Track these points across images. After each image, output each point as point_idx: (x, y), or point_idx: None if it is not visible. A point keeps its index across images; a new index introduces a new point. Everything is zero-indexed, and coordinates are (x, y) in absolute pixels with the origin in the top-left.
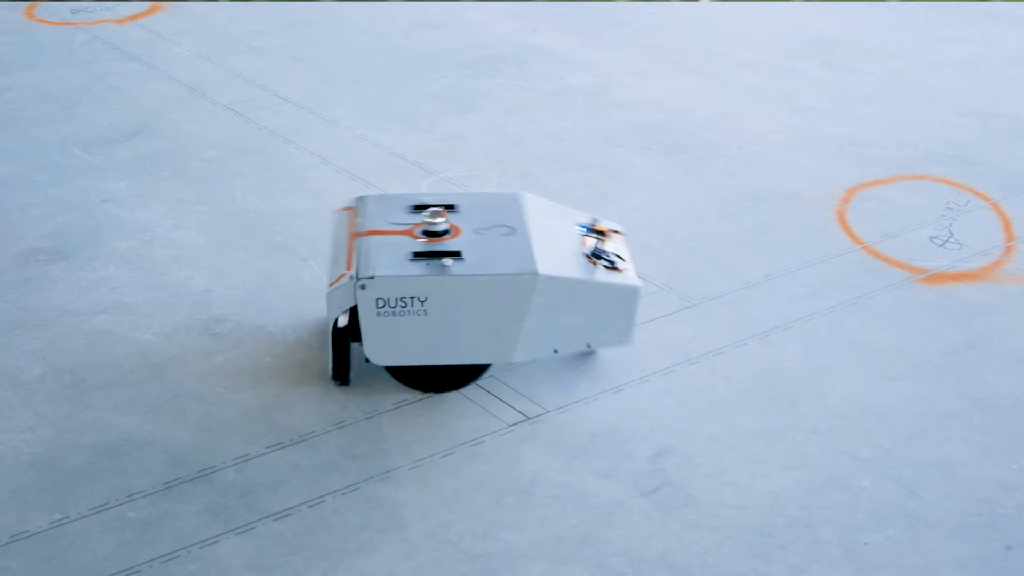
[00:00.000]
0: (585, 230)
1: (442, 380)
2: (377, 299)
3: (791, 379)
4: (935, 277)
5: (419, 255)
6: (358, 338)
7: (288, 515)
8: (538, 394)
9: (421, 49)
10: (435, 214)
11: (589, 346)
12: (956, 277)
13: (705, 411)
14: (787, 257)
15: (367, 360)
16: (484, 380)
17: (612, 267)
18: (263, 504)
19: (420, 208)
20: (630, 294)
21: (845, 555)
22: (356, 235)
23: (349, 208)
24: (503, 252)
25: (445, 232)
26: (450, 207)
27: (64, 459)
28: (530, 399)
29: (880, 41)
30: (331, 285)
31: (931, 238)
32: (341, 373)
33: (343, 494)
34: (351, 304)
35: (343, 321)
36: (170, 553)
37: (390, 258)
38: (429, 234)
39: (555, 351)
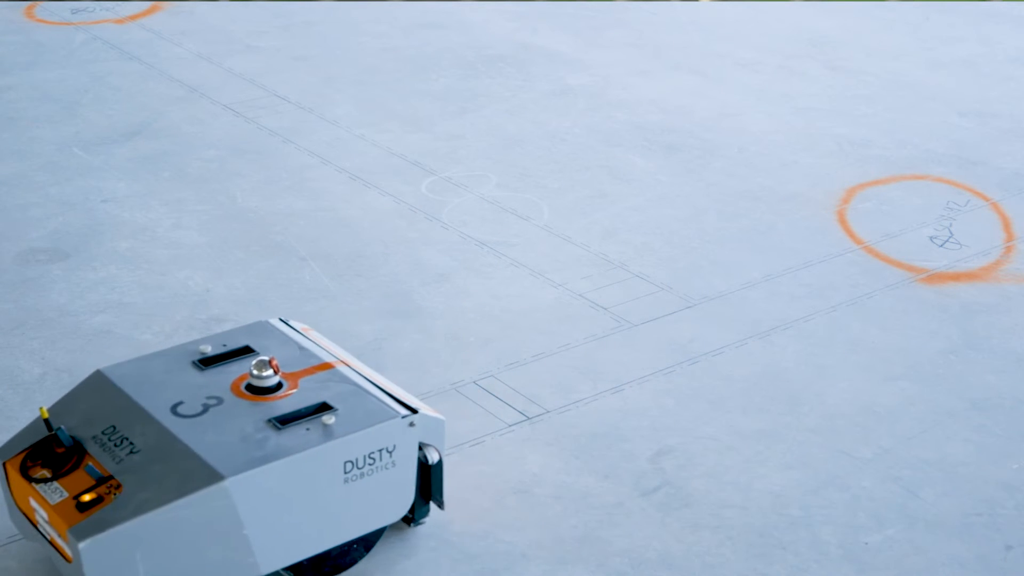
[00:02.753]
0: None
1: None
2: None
3: (791, 379)
4: (935, 277)
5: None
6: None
7: None
8: (538, 394)
9: (421, 49)
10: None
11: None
12: (956, 277)
13: (705, 411)
14: (787, 257)
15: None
16: (484, 380)
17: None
18: None
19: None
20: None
21: (845, 555)
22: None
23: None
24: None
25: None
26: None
27: None
28: (530, 399)
29: (880, 41)
30: None
31: (931, 238)
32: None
33: None
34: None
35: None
36: None
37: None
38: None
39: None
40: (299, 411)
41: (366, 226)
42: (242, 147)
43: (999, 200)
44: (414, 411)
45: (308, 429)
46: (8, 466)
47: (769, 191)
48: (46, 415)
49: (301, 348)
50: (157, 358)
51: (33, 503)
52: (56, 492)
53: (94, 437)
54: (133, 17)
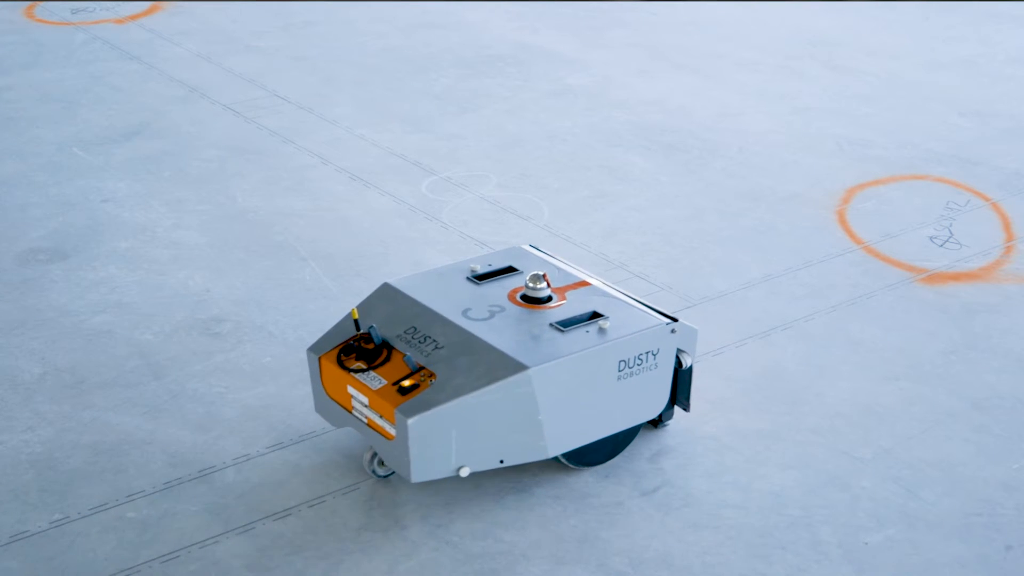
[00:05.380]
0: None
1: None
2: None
3: (791, 379)
4: (935, 277)
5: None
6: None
7: (288, 515)
8: None
9: (421, 49)
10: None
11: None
12: (956, 277)
13: (705, 411)
14: (787, 257)
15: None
16: None
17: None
18: (263, 504)
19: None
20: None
21: (845, 555)
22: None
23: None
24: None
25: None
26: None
27: (64, 459)
28: None
29: (880, 41)
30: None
31: (931, 238)
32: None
33: (343, 494)
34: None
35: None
36: (170, 553)
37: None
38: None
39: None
40: (576, 317)
41: (366, 226)
42: (242, 147)
43: (999, 200)
44: (674, 319)
45: (587, 332)
46: (323, 360)
47: (769, 191)
48: (357, 315)
49: (559, 268)
50: (433, 275)
51: (351, 390)
52: (375, 380)
53: (398, 336)
54: (133, 17)
